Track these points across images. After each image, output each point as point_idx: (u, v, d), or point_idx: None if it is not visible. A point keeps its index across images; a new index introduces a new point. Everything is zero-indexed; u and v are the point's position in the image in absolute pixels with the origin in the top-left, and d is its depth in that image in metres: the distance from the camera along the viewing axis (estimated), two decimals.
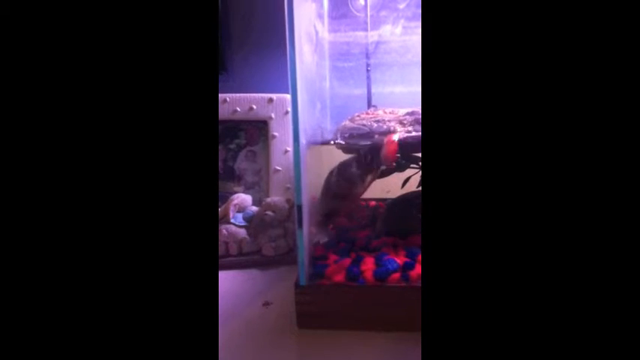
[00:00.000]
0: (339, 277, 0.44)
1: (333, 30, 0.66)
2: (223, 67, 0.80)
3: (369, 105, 0.73)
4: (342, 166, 0.54)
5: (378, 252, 0.49)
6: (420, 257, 0.46)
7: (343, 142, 0.54)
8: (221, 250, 0.63)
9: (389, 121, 0.54)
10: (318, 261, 0.48)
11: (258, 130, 0.72)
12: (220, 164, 0.73)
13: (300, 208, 0.43)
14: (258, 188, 0.72)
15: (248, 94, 0.72)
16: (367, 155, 0.50)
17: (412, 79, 0.67)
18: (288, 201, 0.66)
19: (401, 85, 0.69)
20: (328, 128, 0.65)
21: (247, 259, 0.63)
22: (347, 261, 0.47)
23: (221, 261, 0.62)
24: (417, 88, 0.66)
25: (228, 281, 0.57)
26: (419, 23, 0.63)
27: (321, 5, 0.65)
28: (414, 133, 0.51)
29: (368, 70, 0.71)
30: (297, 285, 0.44)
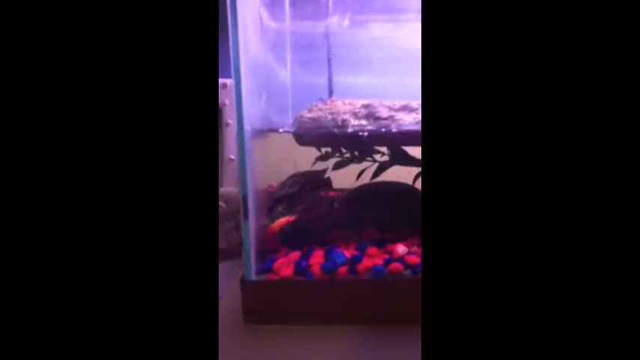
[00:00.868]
0: (287, 271, 0.43)
1: (291, 17, 0.64)
2: None
3: (331, 95, 0.72)
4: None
5: (328, 245, 0.48)
6: (369, 250, 0.46)
7: (297, 132, 0.52)
8: None
9: (344, 113, 0.53)
10: (270, 254, 0.47)
11: None
12: None
13: (245, 198, 0.41)
14: None
15: None
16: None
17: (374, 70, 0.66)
18: None
19: (363, 76, 0.68)
20: (287, 118, 0.64)
21: None
22: (296, 254, 0.46)
23: None
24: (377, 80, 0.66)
25: None
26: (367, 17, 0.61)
27: None
28: (368, 127, 0.50)
29: (329, 59, 0.70)
30: (242, 280, 0.42)
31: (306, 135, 0.52)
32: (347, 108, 0.55)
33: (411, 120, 0.51)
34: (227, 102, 0.68)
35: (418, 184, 0.56)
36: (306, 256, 0.46)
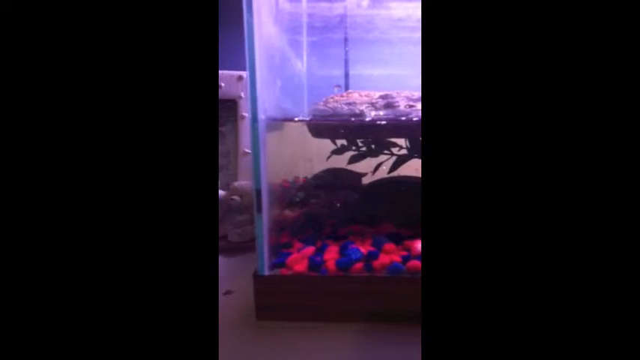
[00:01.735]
0: (301, 266, 0.42)
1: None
2: None
3: (347, 87, 0.70)
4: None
5: (344, 240, 0.47)
6: (386, 247, 0.44)
7: (313, 121, 0.51)
8: None
9: (361, 104, 0.52)
10: (282, 249, 0.46)
11: (226, 109, 0.69)
12: None
13: (259, 192, 0.40)
14: (226, 171, 0.69)
15: None
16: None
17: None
18: None
19: (380, 68, 0.66)
20: (302, 109, 0.62)
21: None
22: (310, 249, 0.45)
23: None
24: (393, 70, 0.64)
25: None
26: None
27: None
28: (386, 116, 0.48)
29: (346, 51, 0.68)
30: (255, 275, 0.41)
31: (322, 125, 0.51)
32: (364, 99, 0.53)
33: None
34: (242, 95, 0.67)
35: None
36: (320, 251, 0.45)
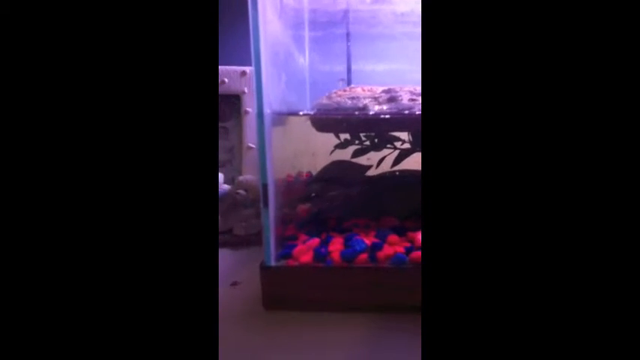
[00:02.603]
0: (307, 258, 0.43)
1: None
2: None
3: (349, 82, 0.71)
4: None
5: (348, 233, 0.48)
6: (390, 238, 0.45)
7: (317, 115, 0.52)
8: None
9: (364, 98, 0.52)
10: (288, 241, 0.47)
11: (230, 105, 0.69)
12: None
13: (265, 186, 0.41)
14: (231, 166, 0.70)
15: (219, 67, 0.68)
16: None
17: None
18: None
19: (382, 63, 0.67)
20: (306, 104, 0.63)
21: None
22: (315, 241, 0.46)
23: None
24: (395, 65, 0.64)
25: None
26: None
27: None
28: (389, 110, 0.49)
29: (348, 46, 0.68)
30: (262, 265, 0.42)
31: (326, 119, 0.51)
32: (367, 94, 0.54)
33: None
34: (246, 90, 0.68)
35: None
36: (325, 242, 0.46)
